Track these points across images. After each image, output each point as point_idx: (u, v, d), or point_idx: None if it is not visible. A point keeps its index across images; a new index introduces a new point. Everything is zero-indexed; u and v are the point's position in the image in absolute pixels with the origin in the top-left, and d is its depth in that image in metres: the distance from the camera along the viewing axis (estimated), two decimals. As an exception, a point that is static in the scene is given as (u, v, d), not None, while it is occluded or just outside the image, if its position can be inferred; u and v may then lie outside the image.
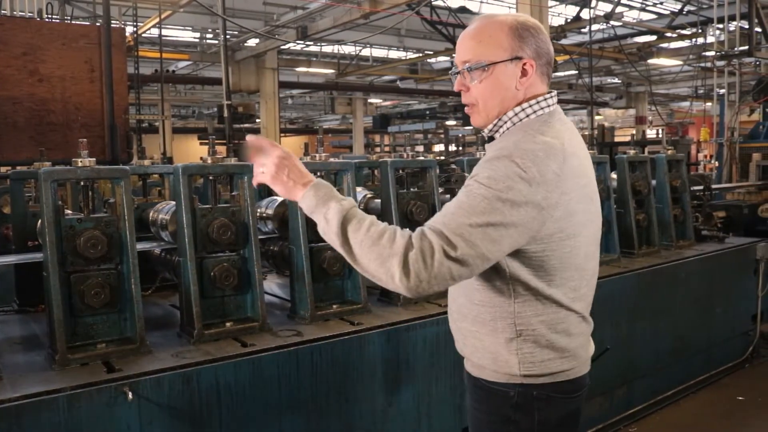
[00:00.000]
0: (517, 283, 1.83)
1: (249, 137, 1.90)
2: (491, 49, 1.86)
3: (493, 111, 1.91)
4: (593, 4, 12.16)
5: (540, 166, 1.72)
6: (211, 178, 3.24)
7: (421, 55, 17.56)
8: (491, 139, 1.98)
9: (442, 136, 23.34)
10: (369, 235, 1.71)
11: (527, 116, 1.89)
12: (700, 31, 13.10)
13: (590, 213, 1.91)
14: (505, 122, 1.91)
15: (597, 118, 21.29)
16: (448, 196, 3.84)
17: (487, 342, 1.91)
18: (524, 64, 1.88)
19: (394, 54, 18.66)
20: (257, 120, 15.81)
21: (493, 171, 1.72)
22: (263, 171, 1.85)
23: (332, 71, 17.91)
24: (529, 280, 1.82)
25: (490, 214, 1.67)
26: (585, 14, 12.35)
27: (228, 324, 3.08)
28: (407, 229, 1.74)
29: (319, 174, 3.56)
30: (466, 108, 1.97)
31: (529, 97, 1.91)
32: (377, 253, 1.69)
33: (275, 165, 1.83)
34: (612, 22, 12.37)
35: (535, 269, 1.82)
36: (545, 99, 1.91)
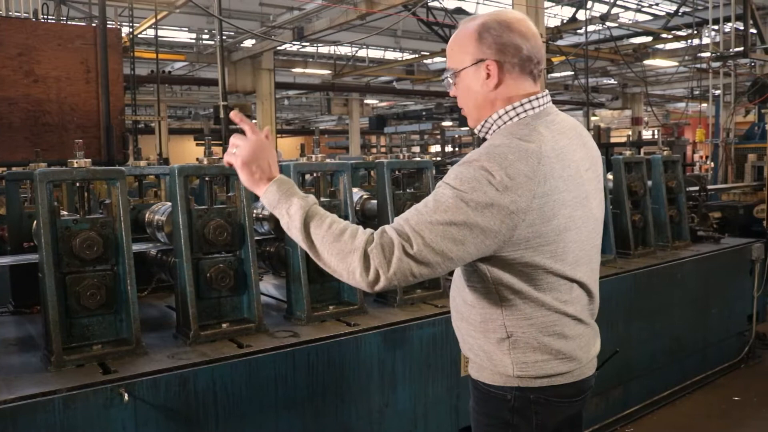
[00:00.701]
0: (501, 287, 1.82)
1: (233, 113, 1.92)
2: (459, 56, 1.91)
3: (473, 114, 1.95)
4: (589, 5, 12.18)
5: (508, 169, 1.69)
6: (207, 179, 3.24)
7: (417, 56, 17.57)
8: (484, 140, 1.98)
9: (439, 136, 23.33)
10: (331, 231, 1.73)
11: (510, 119, 1.87)
12: (695, 32, 13.12)
13: (578, 218, 1.84)
14: (492, 124, 1.91)
15: (593, 119, 21.36)
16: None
17: (482, 342, 1.91)
18: (487, 65, 1.86)
19: (390, 55, 18.67)
20: (254, 121, 15.79)
21: (461, 173, 1.73)
22: (235, 152, 1.86)
23: (328, 72, 17.90)
24: (514, 284, 1.80)
25: (453, 213, 1.67)
26: (581, 15, 12.36)
27: (224, 325, 3.08)
28: (369, 228, 1.75)
29: (315, 175, 3.56)
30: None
31: (513, 96, 1.87)
32: (338, 248, 1.71)
33: (248, 152, 1.84)
34: (608, 23, 12.39)
35: (518, 274, 1.79)
36: (530, 101, 1.86)
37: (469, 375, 2.05)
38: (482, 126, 1.93)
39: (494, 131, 1.90)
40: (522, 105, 1.86)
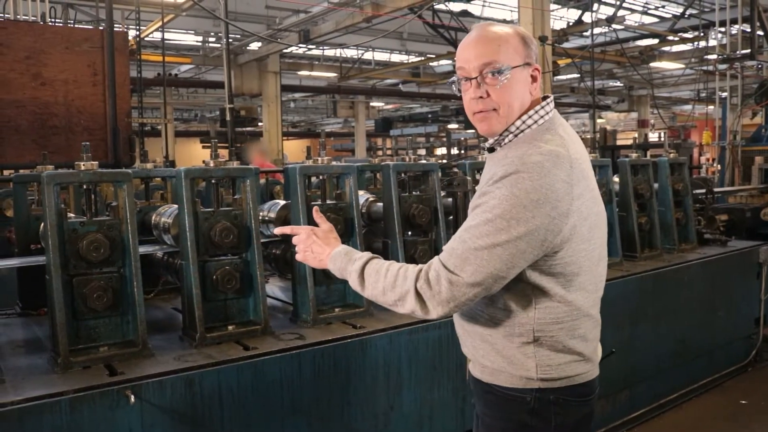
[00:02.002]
0: (537, 290, 1.84)
1: (277, 230, 2.25)
2: (510, 54, 1.87)
3: (513, 116, 1.90)
4: (595, 7, 12.16)
5: (548, 177, 1.74)
6: (213, 181, 3.25)
7: (423, 58, 17.59)
8: (491, 150, 1.98)
9: (444, 139, 23.36)
10: (388, 281, 1.86)
11: (529, 127, 1.90)
12: (702, 34, 13.10)
13: (599, 216, 1.93)
14: (512, 131, 1.91)
15: (599, 121, 21.32)
16: (450, 199, 3.84)
17: (501, 347, 1.90)
18: (533, 69, 1.91)
19: (396, 57, 18.68)
20: (259, 123, 15.83)
21: (501, 190, 1.74)
22: (296, 251, 2.15)
23: (334, 75, 17.92)
24: (551, 287, 1.83)
25: (496, 234, 1.72)
26: (587, 18, 12.35)
27: (230, 327, 3.09)
28: (422, 265, 1.85)
29: (321, 177, 3.57)
30: (478, 115, 1.92)
31: (534, 103, 1.93)
32: (397, 293, 1.84)
33: (300, 248, 2.12)
34: (614, 26, 12.36)
35: (556, 276, 1.83)
36: (543, 107, 1.92)
37: (475, 379, 2.03)
38: (512, 128, 1.91)
39: (510, 140, 1.91)
40: (537, 112, 1.92)
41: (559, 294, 1.84)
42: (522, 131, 1.90)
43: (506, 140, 1.92)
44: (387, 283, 1.85)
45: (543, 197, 1.72)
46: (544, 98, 1.96)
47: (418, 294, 1.79)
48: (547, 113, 1.93)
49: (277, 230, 2.25)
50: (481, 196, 1.81)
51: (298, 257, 2.14)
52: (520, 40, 1.89)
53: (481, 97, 1.89)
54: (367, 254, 1.98)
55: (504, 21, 13.71)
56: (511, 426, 1.94)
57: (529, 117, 1.90)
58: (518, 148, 1.83)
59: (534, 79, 1.92)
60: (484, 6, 13.73)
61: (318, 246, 2.08)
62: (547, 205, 1.73)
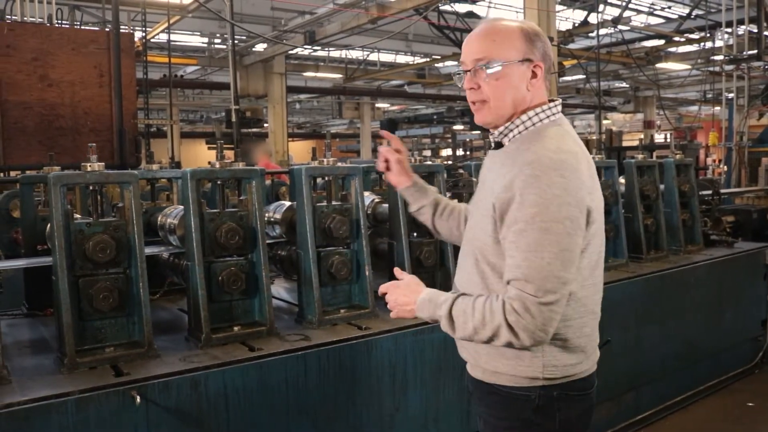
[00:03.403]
0: None
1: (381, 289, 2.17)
2: (504, 48, 1.89)
3: (504, 110, 1.93)
4: (601, 8, 12.14)
5: (578, 172, 1.79)
6: (219, 182, 3.25)
7: (428, 59, 17.59)
8: (498, 145, 1.99)
9: (450, 140, 23.35)
10: (476, 319, 1.83)
11: (540, 121, 1.92)
12: (708, 35, 13.06)
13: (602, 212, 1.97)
14: (517, 126, 1.93)
15: (605, 122, 21.25)
16: (455, 200, 3.83)
17: (504, 348, 1.88)
18: (534, 66, 1.92)
19: (401, 59, 18.69)
20: (265, 125, 15.85)
21: (538, 195, 1.74)
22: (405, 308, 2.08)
23: (340, 76, 17.95)
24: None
25: (559, 241, 1.74)
26: (593, 18, 12.33)
27: (236, 328, 3.09)
28: (499, 296, 1.82)
29: (327, 178, 3.57)
30: (472, 106, 1.99)
31: (540, 102, 1.95)
32: (490, 330, 1.80)
33: (389, 305, 2.10)
34: (620, 27, 12.33)
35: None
36: (550, 108, 1.95)
37: (476, 381, 2.03)
38: (506, 127, 1.94)
39: (518, 134, 1.93)
40: (549, 109, 1.94)
41: (573, 292, 1.84)
42: (534, 124, 1.92)
43: (513, 134, 1.94)
44: (476, 322, 1.82)
45: (579, 192, 1.77)
46: (551, 101, 1.98)
47: (510, 327, 1.76)
48: (554, 114, 1.95)
49: (380, 290, 2.19)
50: (518, 207, 1.77)
51: (392, 315, 2.11)
52: (521, 35, 1.90)
53: (472, 89, 1.94)
54: (450, 296, 1.93)
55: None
56: (516, 425, 1.94)
57: (536, 114, 1.93)
58: (532, 145, 1.85)
59: (534, 75, 1.92)
60: (489, 7, 13.71)
61: (403, 297, 2.05)
62: (584, 199, 1.78)
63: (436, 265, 3.78)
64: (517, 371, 1.90)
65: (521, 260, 1.76)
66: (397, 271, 2.16)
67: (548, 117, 1.93)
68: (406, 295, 2.04)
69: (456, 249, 2.48)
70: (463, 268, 2.08)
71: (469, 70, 1.94)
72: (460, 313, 1.87)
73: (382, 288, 2.13)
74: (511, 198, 1.79)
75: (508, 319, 1.75)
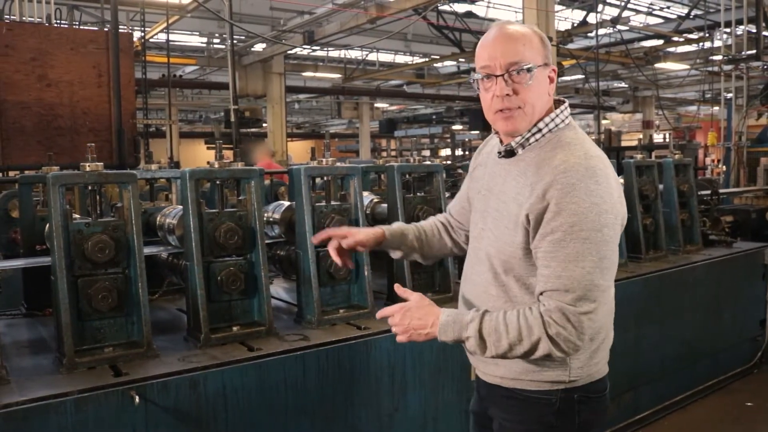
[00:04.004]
0: None
1: (378, 314, 2.06)
2: (534, 53, 1.86)
3: (535, 116, 1.89)
4: (600, 8, 12.14)
5: (608, 179, 1.80)
6: (218, 182, 3.25)
7: (427, 59, 17.60)
8: (510, 153, 1.94)
9: (449, 140, 23.33)
10: (512, 337, 1.77)
11: (556, 126, 1.90)
12: (707, 35, 13.07)
13: None
14: (534, 133, 1.90)
15: (604, 122, 21.27)
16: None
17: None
18: (552, 70, 1.92)
19: (400, 58, 18.70)
20: (264, 125, 15.84)
21: (577, 205, 1.73)
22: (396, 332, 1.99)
23: (339, 76, 17.95)
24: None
25: (597, 249, 1.74)
26: (591, 18, 12.34)
27: (235, 328, 3.09)
28: (531, 308, 1.78)
29: (326, 178, 3.56)
30: (506, 113, 1.88)
31: (551, 105, 1.95)
32: (528, 346, 1.76)
33: (398, 329, 1.99)
34: (619, 27, 12.35)
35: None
36: (563, 111, 1.94)
37: (490, 385, 2.02)
38: (523, 137, 1.91)
39: (536, 140, 1.90)
40: (563, 112, 1.94)
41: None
42: (550, 130, 1.90)
43: (532, 140, 1.90)
44: (512, 339, 1.77)
45: (611, 197, 1.78)
46: (558, 102, 1.96)
47: (552, 340, 1.73)
48: (568, 116, 1.95)
49: (378, 315, 2.08)
50: (554, 216, 1.75)
51: (401, 339, 2.00)
52: (539, 39, 1.89)
53: (507, 95, 1.85)
54: (475, 315, 1.84)
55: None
56: (535, 428, 1.94)
57: (551, 120, 1.91)
58: (557, 152, 1.82)
59: (551, 80, 1.92)
60: (488, 7, 13.72)
61: (417, 320, 1.93)
62: (616, 205, 1.80)
63: (435, 264, 3.78)
64: (541, 376, 1.89)
65: (561, 270, 1.74)
66: (398, 288, 2.03)
67: (563, 121, 1.91)
68: (421, 318, 1.93)
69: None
70: (474, 282, 2.03)
71: (497, 76, 1.85)
72: (492, 331, 1.80)
73: (387, 311, 2.01)
74: (546, 207, 1.76)
75: (549, 331, 1.73)
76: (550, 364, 1.87)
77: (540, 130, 1.90)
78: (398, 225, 2.34)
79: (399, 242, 2.28)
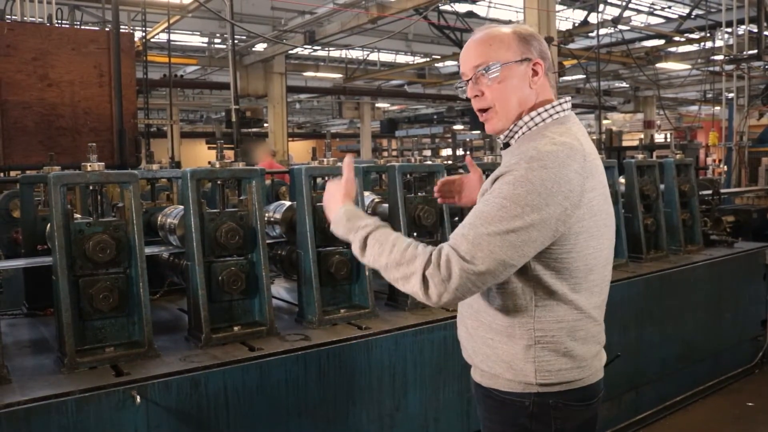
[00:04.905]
0: (539, 287, 1.83)
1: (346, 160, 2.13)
2: (501, 51, 1.89)
3: (512, 112, 1.91)
4: (601, 8, 12.14)
5: (563, 167, 1.74)
6: (219, 182, 3.25)
7: (428, 59, 17.60)
8: (506, 145, 1.98)
9: (450, 140, 23.34)
10: (392, 257, 1.78)
11: (543, 120, 1.90)
12: (708, 35, 13.06)
13: (609, 216, 1.92)
14: (521, 127, 1.91)
15: (605, 122, 21.25)
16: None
17: (501, 350, 1.90)
18: (534, 64, 1.91)
19: (401, 58, 18.70)
20: (265, 124, 15.85)
21: (514, 177, 1.73)
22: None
23: (340, 76, 17.95)
24: (552, 283, 1.82)
25: (510, 220, 1.69)
26: (593, 18, 12.33)
27: (236, 328, 3.09)
28: (430, 247, 1.78)
29: (327, 178, 3.57)
30: (481, 115, 1.96)
31: (544, 100, 1.93)
32: (402, 273, 1.77)
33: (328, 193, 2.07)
34: (620, 27, 12.33)
35: (560, 272, 1.82)
36: (554, 107, 1.93)
37: (476, 384, 2.03)
38: (510, 129, 1.93)
39: (523, 133, 1.92)
40: (553, 107, 1.92)
41: (560, 291, 1.82)
42: (536, 124, 1.90)
43: (519, 134, 1.92)
44: (392, 259, 1.78)
45: (557, 186, 1.72)
46: (560, 98, 1.96)
47: (424, 278, 1.71)
48: (562, 111, 1.93)
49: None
50: (492, 182, 1.79)
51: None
52: (515, 37, 1.91)
53: (476, 96, 1.93)
54: (372, 223, 1.89)
55: (509, 22, 13.70)
56: (512, 430, 1.93)
57: (539, 114, 1.91)
58: (532, 141, 1.84)
59: (535, 72, 1.91)
60: (489, 7, 13.72)
61: (326, 201, 2.06)
62: (559, 195, 1.72)
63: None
64: (511, 375, 1.88)
65: (469, 222, 1.75)
66: (347, 159, 2.13)
67: (551, 116, 1.91)
68: (327, 201, 2.05)
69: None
70: None
71: (469, 79, 1.93)
72: (376, 243, 1.83)
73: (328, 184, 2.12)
74: (493, 181, 1.80)
75: (426, 270, 1.71)
76: (518, 364, 1.86)
77: (526, 123, 1.91)
78: None
79: None
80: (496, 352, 1.90)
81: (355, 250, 1.88)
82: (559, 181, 1.72)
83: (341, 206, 1.97)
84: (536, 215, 1.70)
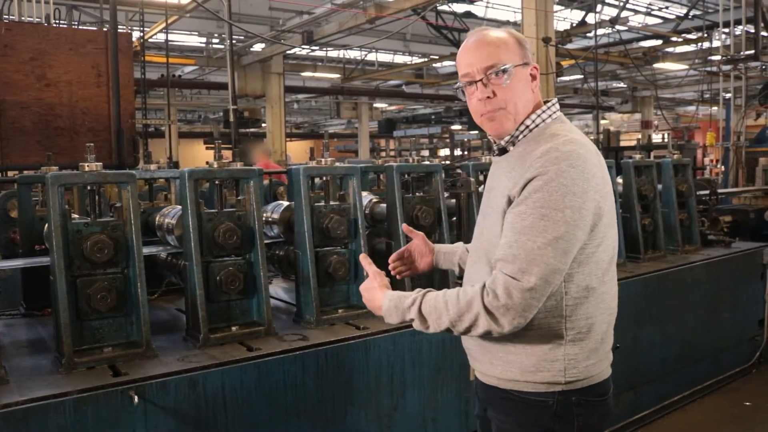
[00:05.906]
0: (570, 284, 1.83)
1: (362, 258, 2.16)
2: (509, 54, 1.91)
3: (520, 114, 1.93)
4: (599, 8, 12.15)
5: (586, 163, 1.79)
6: (217, 182, 3.25)
7: (426, 59, 17.60)
8: (503, 151, 1.99)
9: (448, 140, 23.33)
10: (452, 314, 1.80)
11: (543, 121, 1.93)
12: (705, 35, 13.07)
13: (614, 204, 1.96)
14: (522, 131, 1.94)
15: (602, 122, 21.30)
16: (453, 200, 3.84)
17: (527, 352, 1.87)
18: (532, 68, 1.95)
19: (399, 59, 18.69)
20: (263, 125, 15.84)
21: (544, 182, 1.75)
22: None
23: (338, 76, 17.94)
24: (582, 279, 1.84)
25: (555, 228, 1.73)
26: (590, 19, 12.34)
27: (234, 328, 3.09)
28: (477, 284, 1.80)
29: (325, 178, 3.57)
30: (489, 115, 1.94)
31: (539, 102, 1.97)
32: (468, 321, 1.78)
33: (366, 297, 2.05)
34: (617, 27, 12.35)
35: (588, 265, 1.84)
36: (549, 108, 1.97)
37: (487, 386, 2.00)
38: (521, 125, 1.94)
39: (524, 136, 1.94)
40: (549, 108, 1.96)
41: (592, 287, 1.85)
42: (537, 125, 1.93)
43: (521, 136, 1.94)
44: (453, 315, 1.79)
45: (587, 182, 1.77)
46: (547, 101, 1.99)
47: (489, 313, 1.73)
48: (557, 111, 1.98)
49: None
50: (521, 188, 1.79)
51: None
52: (515, 41, 1.94)
53: (488, 98, 1.91)
54: (416, 296, 1.88)
55: (507, 22, 13.73)
56: (533, 431, 1.92)
57: (538, 115, 1.94)
58: (539, 143, 1.85)
59: (533, 77, 1.95)
60: (487, 7, 13.72)
61: (369, 303, 2.02)
62: (591, 190, 1.78)
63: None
64: (537, 377, 1.87)
65: (513, 240, 1.76)
66: (362, 258, 2.14)
67: (550, 116, 1.94)
68: (369, 301, 2.02)
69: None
70: (473, 280, 2.02)
71: (477, 81, 1.92)
72: (432, 310, 1.83)
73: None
74: (522, 190, 1.80)
75: (485, 301, 1.73)
76: (545, 365, 1.86)
77: (527, 126, 1.93)
78: (448, 247, 2.45)
79: (448, 256, 2.42)
80: (519, 357, 1.88)
81: (418, 326, 1.88)
82: (588, 177, 1.77)
83: (384, 299, 1.95)
84: (577, 215, 1.75)
